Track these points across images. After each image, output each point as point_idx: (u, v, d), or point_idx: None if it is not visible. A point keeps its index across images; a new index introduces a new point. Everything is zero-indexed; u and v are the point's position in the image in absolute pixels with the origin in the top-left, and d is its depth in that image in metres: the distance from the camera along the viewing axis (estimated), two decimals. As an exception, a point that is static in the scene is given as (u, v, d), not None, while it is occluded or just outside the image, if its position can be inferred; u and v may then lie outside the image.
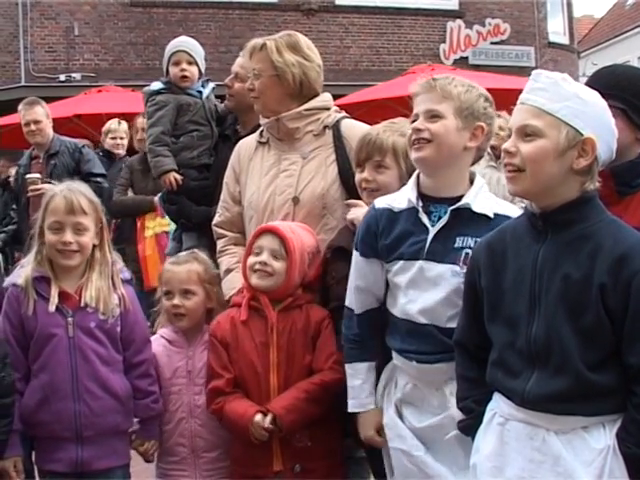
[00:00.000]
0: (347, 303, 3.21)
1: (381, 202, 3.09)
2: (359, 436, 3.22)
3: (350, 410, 3.19)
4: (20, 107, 7.34)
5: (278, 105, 3.83)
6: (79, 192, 3.45)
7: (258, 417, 3.31)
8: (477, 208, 2.92)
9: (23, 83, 15.79)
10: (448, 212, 2.92)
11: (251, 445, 3.36)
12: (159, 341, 3.67)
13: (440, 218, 2.93)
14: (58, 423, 3.35)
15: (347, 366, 3.21)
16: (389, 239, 3.00)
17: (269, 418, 3.30)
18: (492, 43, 19.32)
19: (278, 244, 3.45)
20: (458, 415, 2.80)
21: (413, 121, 2.96)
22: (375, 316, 3.16)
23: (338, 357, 3.37)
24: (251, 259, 3.47)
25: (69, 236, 3.36)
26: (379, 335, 3.16)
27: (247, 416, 3.33)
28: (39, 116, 7.15)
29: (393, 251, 2.99)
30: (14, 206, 7.64)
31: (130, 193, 7.10)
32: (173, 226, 6.50)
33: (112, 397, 3.40)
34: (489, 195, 3.03)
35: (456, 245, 2.89)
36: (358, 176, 3.45)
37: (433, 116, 2.90)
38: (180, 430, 3.59)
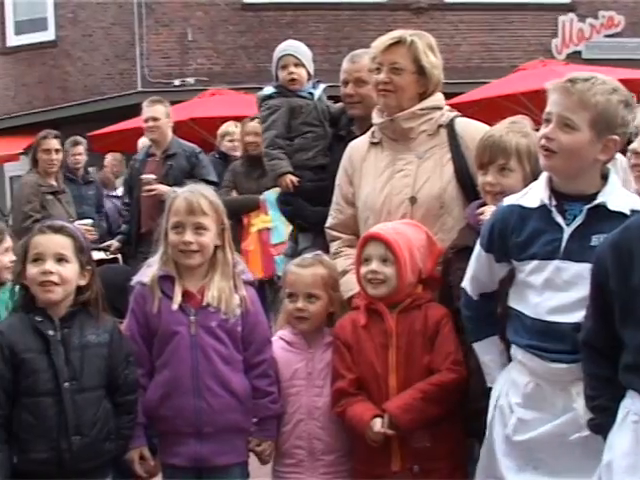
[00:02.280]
0: (463, 285, 3.23)
1: (511, 200, 3.06)
2: (482, 436, 3.20)
3: (488, 385, 3.19)
4: (144, 104, 7.53)
5: (408, 103, 3.83)
6: (200, 194, 3.52)
7: (374, 422, 3.33)
8: (613, 206, 2.85)
9: (139, 89, 16.14)
10: (584, 211, 2.86)
11: (371, 445, 3.38)
12: (278, 343, 3.70)
13: (575, 217, 2.88)
14: (179, 418, 3.44)
15: (474, 345, 3.25)
16: (520, 237, 2.97)
17: (385, 421, 3.32)
18: (606, 36, 18.81)
19: (384, 249, 3.45)
20: (585, 415, 2.77)
21: (546, 120, 2.90)
22: (491, 297, 3.19)
23: (456, 357, 3.38)
24: (362, 269, 3.49)
25: (189, 236, 3.44)
26: (496, 312, 3.18)
27: (364, 420, 3.37)
28: (158, 113, 7.32)
29: (525, 250, 2.96)
30: (126, 200, 7.79)
31: (234, 194, 7.21)
32: (275, 223, 6.62)
33: (231, 395, 3.47)
34: (623, 191, 2.97)
35: (592, 244, 2.82)
36: (481, 179, 3.42)
37: (566, 125, 2.83)
38: (298, 432, 3.60)
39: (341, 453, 3.60)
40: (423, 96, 3.85)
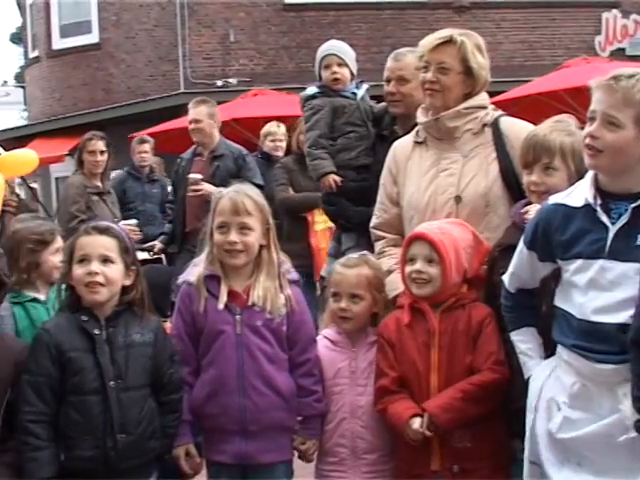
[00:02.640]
0: (503, 277, 3.23)
1: (556, 198, 3.04)
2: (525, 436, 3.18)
3: (526, 375, 3.17)
4: (189, 105, 7.57)
5: (454, 103, 3.83)
6: (245, 194, 3.53)
7: (413, 421, 3.33)
8: None
9: (182, 90, 16.25)
10: (629, 210, 2.82)
11: (411, 443, 3.38)
12: (322, 342, 3.70)
13: (620, 216, 2.84)
14: (225, 416, 3.46)
15: (512, 335, 3.24)
16: (565, 236, 2.95)
17: (425, 420, 3.32)
18: (651, 33, 18.61)
19: (429, 249, 3.44)
20: (632, 416, 2.73)
21: (591, 118, 2.87)
22: (530, 293, 3.19)
23: (498, 357, 3.37)
24: (407, 268, 3.49)
25: (234, 236, 3.46)
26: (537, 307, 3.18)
27: (403, 418, 3.37)
28: (200, 115, 7.33)
29: (569, 249, 2.94)
30: (171, 198, 7.83)
31: (291, 191, 7.22)
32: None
33: (276, 394, 3.48)
34: None
35: (638, 243, 2.79)
36: (526, 178, 3.40)
37: (611, 123, 2.80)
38: (341, 431, 3.60)
39: (383, 452, 3.59)
40: (469, 96, 3.84)
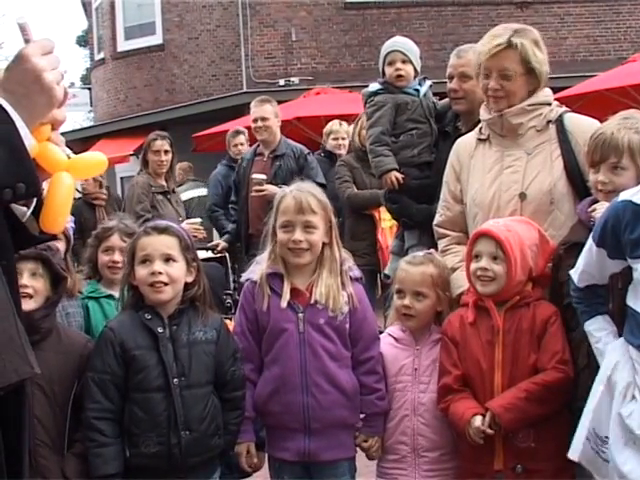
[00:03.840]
0: (571, 272, 3.20)
1: (625, 195, 2.99)
2: None
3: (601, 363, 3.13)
4: (252, 104, 7.59)
5: (520, 102, 3.78)
6: (308, 192, 3.53)
7: (476, 421, 3.30)
8: None
9: (245, 89, 16.35)
10: None
11: (472, 443, 3.36)
12: (386, 339, 3.69)
13: None
14: (288, 414, 3.46)
15: (586, 325, 3.20)
16: (634, 234, 2.90)
17: (487, 419, 3.29)
18: None
19: (495, 247, 3.41)
20: None
21: None
22: (599, 287, 3.15)
23: (563, 356, 3.33)
24: (472, 265, 3.46)
25: (299, 234, 3.45)
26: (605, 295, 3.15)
27: (465, 418, 3.34)
28: (267, 113, 7.35)
29: (638, 247, 2.89)
30: (233, 198, 7.86)
31: (354, 189, 7.22)
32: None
33: (339, 392, 3.47)
34: None
35: None
36: (593, 177, 3.35)
37: None
38: (402, 428, 3.59)
39: (445, 451, 3.57)
40: (532, 92, 3.79)
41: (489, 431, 3.29)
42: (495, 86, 3.76)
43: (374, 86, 5.22)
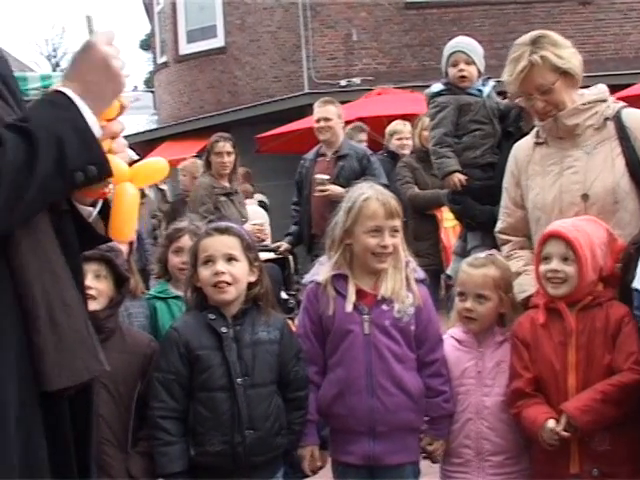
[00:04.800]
0: (635, 285, 3.14)
1: None
2: None
3: None
4: (315, 105, 7.61)
5: (570, 102, 3.74)
6: (390, 196, 3.54)
7: (549, 423, 3.26)
8: None
9: (306, 90, 16.37)
10: None
11: (547, 448, 3.31)
12: (449, 341, 3.66)
13: None
14: (352, 417, 3.44)
15: None
16: None
17: (562, 422, 3.24)
18: None
19: (565, 247, 3.36)
20: None
21: None
22: None
23: (639, 357, 3.26)
24: (542, 267, 3.40)
25: (387, 239, 3.44)
26: None
27: (537, 423, 3.30)
28: (330, 114, 7.35)
29: None
30: (295, 199, 7.90)
31: (416, 190, 7.20)
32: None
33: (405, 394, 3.45)
34: None
35: None
36: None
37: None
38: (466, 431, 3.55)
39: (510, 455, 3.53)
40: (576, 87, 3.73)
41: (564, 433, 3.24)
42: (540, 105, 3.74)
43: (437, 87, 5.21)
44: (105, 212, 2.04)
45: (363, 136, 8.81)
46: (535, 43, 3.72)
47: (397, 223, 3.47)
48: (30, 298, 1.72)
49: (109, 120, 1.92)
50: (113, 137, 1.94)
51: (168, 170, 2.15)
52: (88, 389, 1.93)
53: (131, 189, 1.97)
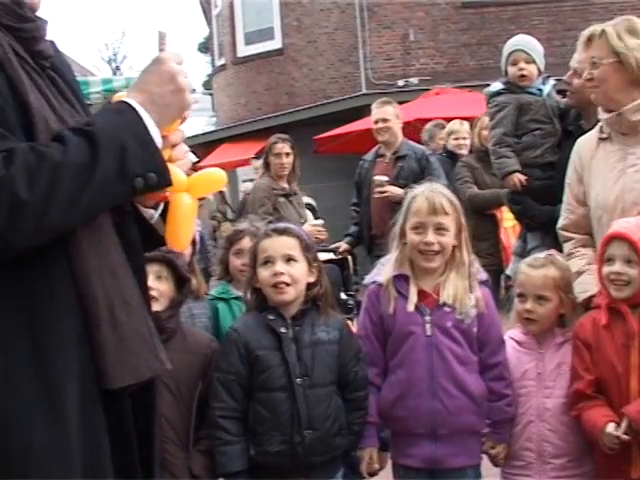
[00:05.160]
0: None
1: None
2: None
3: None
4: (373, 106, 7.61)
5: (619, 93, 3.67)
6: (440, 193, 3.51)
7: (610, 427, 3.21)
8: None
9: (364, 91, 16.38)
10: None
11: (607, 452, 3.26)
12: (509, 342, 3.62)
13: None
14: (414, 419, 3.42)
15: None
16: None
17: (623, 425, 3.19)
18: None
19: (628, 249, 3.30)
20: None
21: None
22: None
23: None
24: (605, 269, 3.35)
25: (431, 236, 3.42)
26: None
27: (598, 426, 3.25)
28: (387, 115, 7.36)
29: None
30: (355, 200, 7.90)
31: (476, 189, 7.15)
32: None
33: (467, 397, 3.42)
34: None
35: None
36: None
37: None
38: (527, 434, 3.51)
39: (572, 457, 3.48)
40: (636, 83, 3.68)
41: (624, 437, 3.19)
42: (587, 76, 3.73)
43: (496, 86, 5.17)
44: (166, 214, 2.07)
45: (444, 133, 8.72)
46: (616, 23, 3.72)
47: (443, 220, 3.43)
48: (91, 297, 1.74)
49: (170, 131, 1.94)
50: (173, 146, 1.96)
51: (226, 181, 2.16)
52: (151, 388, 1.96)
53: (188, 199, 1.99)
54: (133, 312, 1.83)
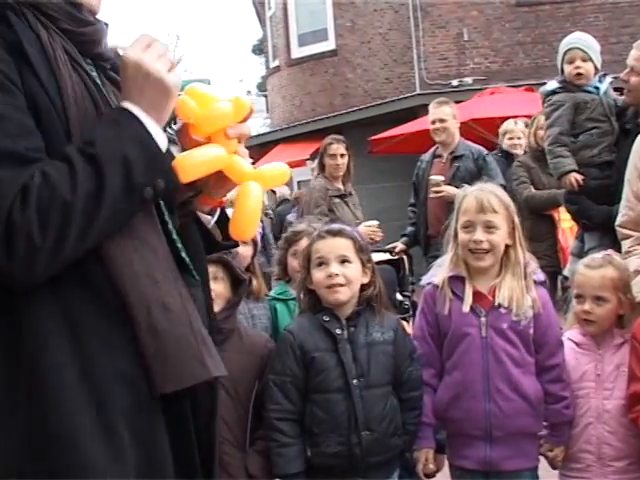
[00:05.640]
0: None
1: None
2: None
3: None
4: (430, 106, 7.60)
5: None
6: (490, 191, 3.49)
7: None
8: None
9: (418, 91, 16.34)
10: None
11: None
12: (567, 343, 3.58)
13: None
14: (468, 421, 3.41)
15: None
16: None
17: None
18: None
19: None
20: None
21: None
22: None
23: None
24: None
25: (480, 234, 3.41)
26: None
27: None
28: (445, 115, 7.34)
29: None
30: (412, 200, 7.86)
31: (532, 190, 7.10)
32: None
33: (523, 399, 3.39)
34: None
35: None
36: None
37: None
38: (586, 436, 3.47)
39: (632, 460, 3.43)
40: None
41: None
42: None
43: (552, 85, 5.13)
44: (222, 221, 2.07)
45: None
46: None
47: (492, 218, 3.40)
48: (128, 305, 1.74)
49: (240, 122, 1.94)
50: (240, 139, 1.96)
51: (290, 175, 2.16)
52: (212, 391, 1.96)
53: (256, 188, 1.97)
54: (174, 318, 1.79)
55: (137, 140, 1.75)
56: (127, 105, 1.79)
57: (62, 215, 1.64)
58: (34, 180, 1.65)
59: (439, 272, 3.53)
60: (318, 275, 3.40)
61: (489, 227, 3.41)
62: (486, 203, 3.41)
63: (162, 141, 1.80)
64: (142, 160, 1.74)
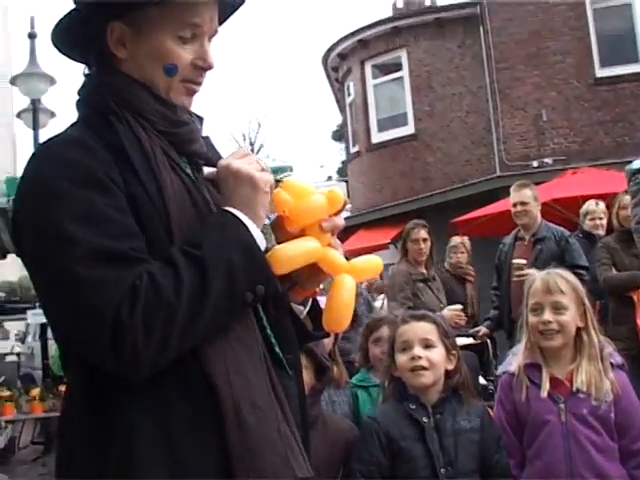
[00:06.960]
0: None
1: None
2: None
3: None
4: (511, 189, 7.60)
5: None
6: (556, 273, 3.52)
7: None
8: None
9: (498, 173, 16.33)
10: None
11: None
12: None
13: None
14: None
15: None
16: None
17: None
18: None
19: None
20: None
21: None
22: None
23: None
24: None
25: (548, 315, 3.41)
26: None
27: None
28: (526, 198, 7.33)
29: None
30: (495, 284, 7.82)
31: (614, 271, 6.98)
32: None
33: (608, 486, 3.32)
34: None
35: None
36: None
37: None
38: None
39: None
40: None
41: None
42: None
43: (638, 163, 5.07)
44: (313, 311, 2.10)
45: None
46: None
47: (560, 299, 3.41)
48: (220, 402, 1.76)
49: (333, 215, 1.98)
50: (334, 232, 1.99)
51: (382, 268, 2.17)
52: None
53: (350, 281, 1.99)
54: (262, 417, 1.81)
55: (242, 246, 1.80)
56: (232, 210, 1.85)
57: (167, 317, 1.69)
58: (142, 282, 1.70)
59: (514, 360, 3.52)
60: (402, 359, 3.39)
61: (557, 308, 3.43)
62: (552, 284, 3.44)
63: (262, 244, 1.85)
64: (246, 266, 1.78)
